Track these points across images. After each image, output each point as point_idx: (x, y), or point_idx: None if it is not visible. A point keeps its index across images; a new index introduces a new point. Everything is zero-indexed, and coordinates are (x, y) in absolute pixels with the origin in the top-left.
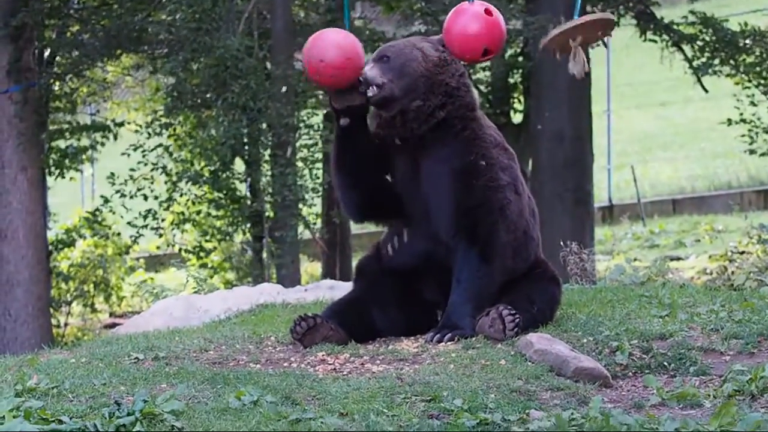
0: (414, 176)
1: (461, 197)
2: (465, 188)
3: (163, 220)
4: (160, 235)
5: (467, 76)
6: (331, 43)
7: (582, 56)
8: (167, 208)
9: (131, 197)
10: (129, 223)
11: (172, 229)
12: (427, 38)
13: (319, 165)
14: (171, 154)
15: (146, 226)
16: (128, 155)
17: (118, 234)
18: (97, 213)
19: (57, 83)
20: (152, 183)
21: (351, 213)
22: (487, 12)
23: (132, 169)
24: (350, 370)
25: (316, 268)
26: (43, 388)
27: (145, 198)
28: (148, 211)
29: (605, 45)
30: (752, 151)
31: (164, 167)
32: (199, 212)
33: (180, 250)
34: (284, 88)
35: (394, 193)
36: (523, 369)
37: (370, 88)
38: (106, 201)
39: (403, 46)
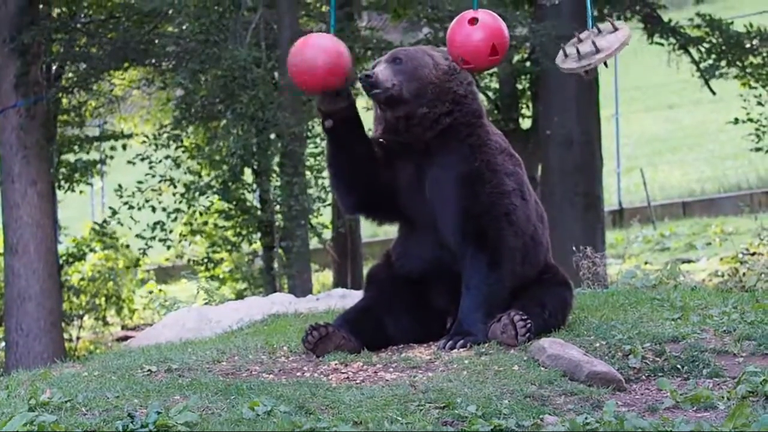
0: (419, 183)
1: (467, 204)
2: (471, 195)
3: (171, 231)
4: (168, 247)
5: (475, 84)
6: (319, 48)
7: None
8: (175, 220)
9: (139, 209)
10: (138, 235)
11: (180, 240)
12: (437, 48)
13: (326, 173)
14: (179, 166)
15: (154, 237)
16: (134, 164)
17: (127, 246)
18: (105, 225)
19: (65, 97)
20: (160, 194)
21: (345, 207)
22: (470, 21)
23: (140, 182)
24: (363, 378)
25: (328, 277)
26: (56, 402)
27: (153, 210)
28: (156, 222)
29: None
30: (758, 149)
31: (171, 179)
32: (206, 223)
33: (190, 261)
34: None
35: (389, 192)
36: (537, 374)
37: (378, 88)
38: (114, 213)
39: (415, 51)
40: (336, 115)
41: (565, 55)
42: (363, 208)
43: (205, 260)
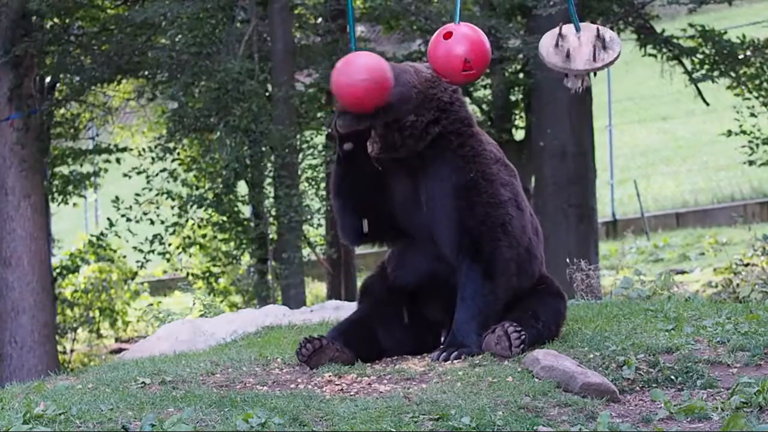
0: (415, 196)
1: (463, 215)
2: (466, 206)
3: (169, 244)
4: (168, 260)
5: (460, 92)
6: (366, 67)
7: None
8: (173, 233)
9: (137, 222)
10: (135, 248)
11: (179, 253)
12: (419, 63)
13: (323, 185)
14: (175, 179)
15: (153, 251)
16: (129, 177)
17: (124, 257)
18: (102, 237)
19: (58, 109)
20: (158, 208)
21: (348, 237)
22: (444, 36)
23: (137, 194)
24: (357, 390)
25: (321, 288)
26: (50, 415)
27: (152, 222)
28: (155, 236)
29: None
30: (751, 162)
31: (169, 192)
32: (204, 236)
33: (187, 274)
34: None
35: (392, 215)
36: (530, 386)
37: None
38: (111, 225)
39: (394, 64)
40: (354, 138)
41: (555, 46)
42: (369, 236)
43: (196, 274)
